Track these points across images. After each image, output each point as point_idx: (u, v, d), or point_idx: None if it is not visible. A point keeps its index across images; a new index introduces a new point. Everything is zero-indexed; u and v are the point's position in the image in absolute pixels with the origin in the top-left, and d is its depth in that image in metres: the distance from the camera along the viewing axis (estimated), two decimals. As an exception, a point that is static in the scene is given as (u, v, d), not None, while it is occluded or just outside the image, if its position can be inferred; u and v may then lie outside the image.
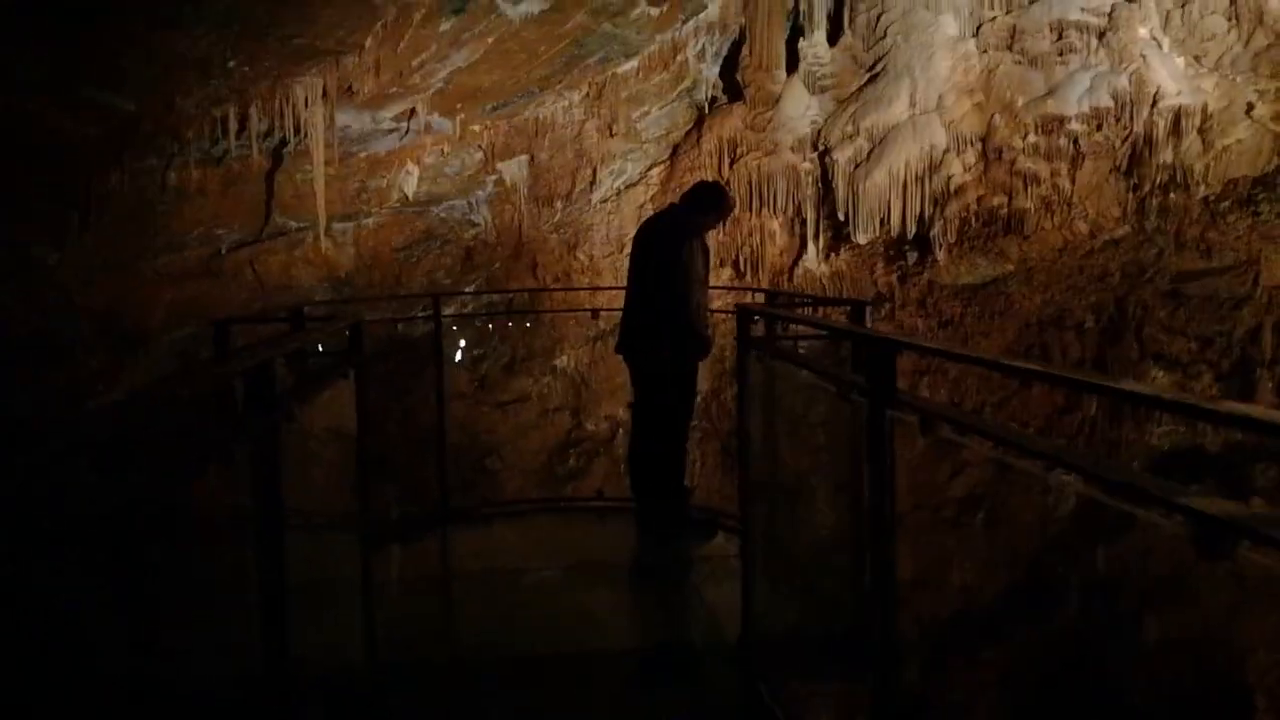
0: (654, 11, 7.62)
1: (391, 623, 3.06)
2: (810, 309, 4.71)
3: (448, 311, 8.24)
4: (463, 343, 8.08)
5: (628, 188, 8.22)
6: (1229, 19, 8.10)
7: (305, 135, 7.21)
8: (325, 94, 6.84)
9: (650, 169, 8.24)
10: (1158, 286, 7.10)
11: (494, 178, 8.18)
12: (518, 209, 8.18)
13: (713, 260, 4.90)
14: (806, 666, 2.71)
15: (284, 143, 7.41)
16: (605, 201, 8.21)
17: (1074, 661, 6.62)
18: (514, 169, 8.20)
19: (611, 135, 8.14)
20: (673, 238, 3.91)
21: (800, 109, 8.24)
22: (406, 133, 7.79)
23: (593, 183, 8.17)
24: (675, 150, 8.28)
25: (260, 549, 1.80)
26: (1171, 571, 6.73)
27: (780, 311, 3.29)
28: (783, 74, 8.20)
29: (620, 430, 8.40)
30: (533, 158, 8.15)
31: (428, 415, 4.82)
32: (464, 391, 8.06)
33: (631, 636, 3.44)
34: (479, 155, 8.16)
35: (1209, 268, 7.18)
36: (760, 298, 5.49)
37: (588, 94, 8.10)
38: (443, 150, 8.10)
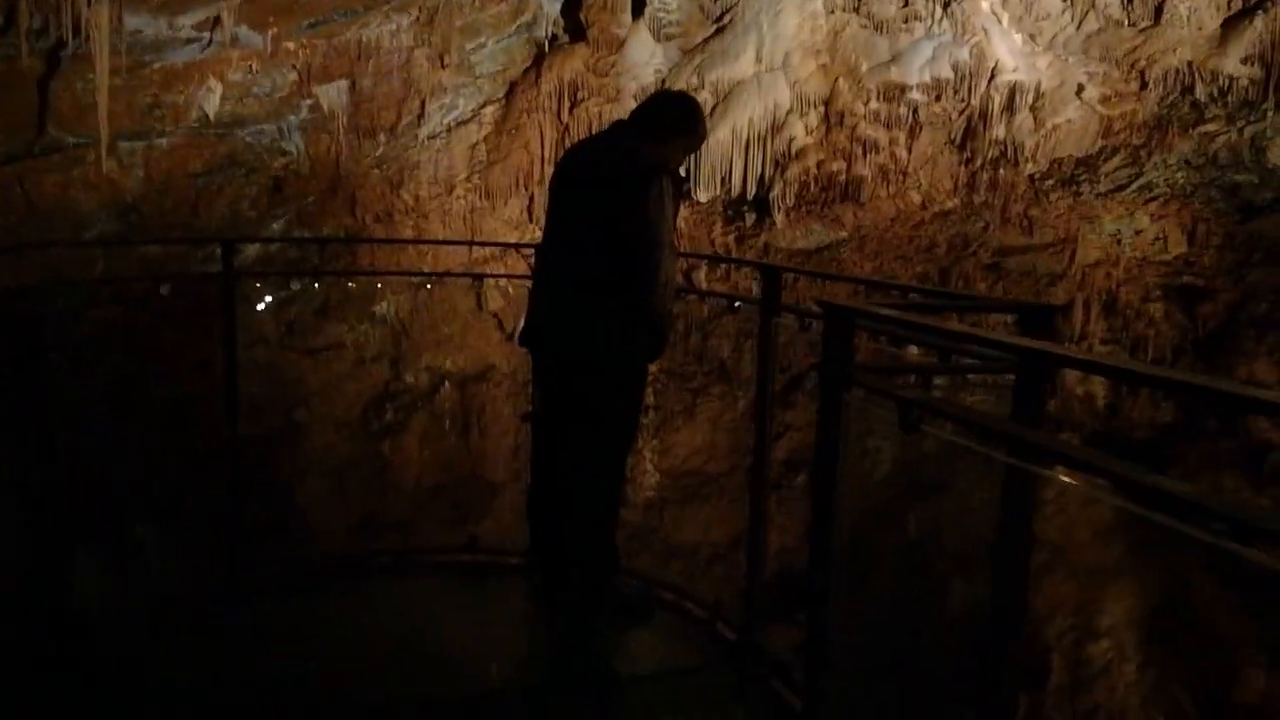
0: (494, -65, 7.33)
1: None
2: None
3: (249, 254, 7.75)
4: (268, 299, 7.60)
5: (459, 125, 7.93)
6: (1064, 0, 8.54)
7: (87, 38, 6.57)
8: (108, -10, 6.23)
9: (484, 107, 7.97)
10: (980, 260, 7.47)
11: (309, 102, 7.70)
12: (336, 139, 7.74)
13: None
14: None
15: (61, 44, 6.71)
16: (434, 138, 7.89)
17: (888, 626, 6.97)
18: (333, 94, 7.74)
19: (443, 66, 7.80)
20: (634, 175, 2.74)
21: (645, 56, 8.15)
22: (209, 44, 7.20)
23: (421, 116, 7.83)
24: (512, 89, 8.04)
25: None
26: (980, 536, 7.16)
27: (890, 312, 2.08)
28: (628, 18, 8.07)
29: (445, 383, 8.18)
30: (354, 84, 7.72)
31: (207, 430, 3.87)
32: (268, 336, 7.63)
33: None
34: (293, 76, 7.65)
35: (1030, 244, 7.61)
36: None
37: (418, 18, 7.71)
38: (251, 67, 7.54)
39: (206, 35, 7.10)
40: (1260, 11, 8.85)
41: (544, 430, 3.17)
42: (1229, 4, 8.95)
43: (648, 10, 8.13)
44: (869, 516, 6.70)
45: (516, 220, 7.99)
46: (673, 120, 3.01)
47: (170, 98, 7.45)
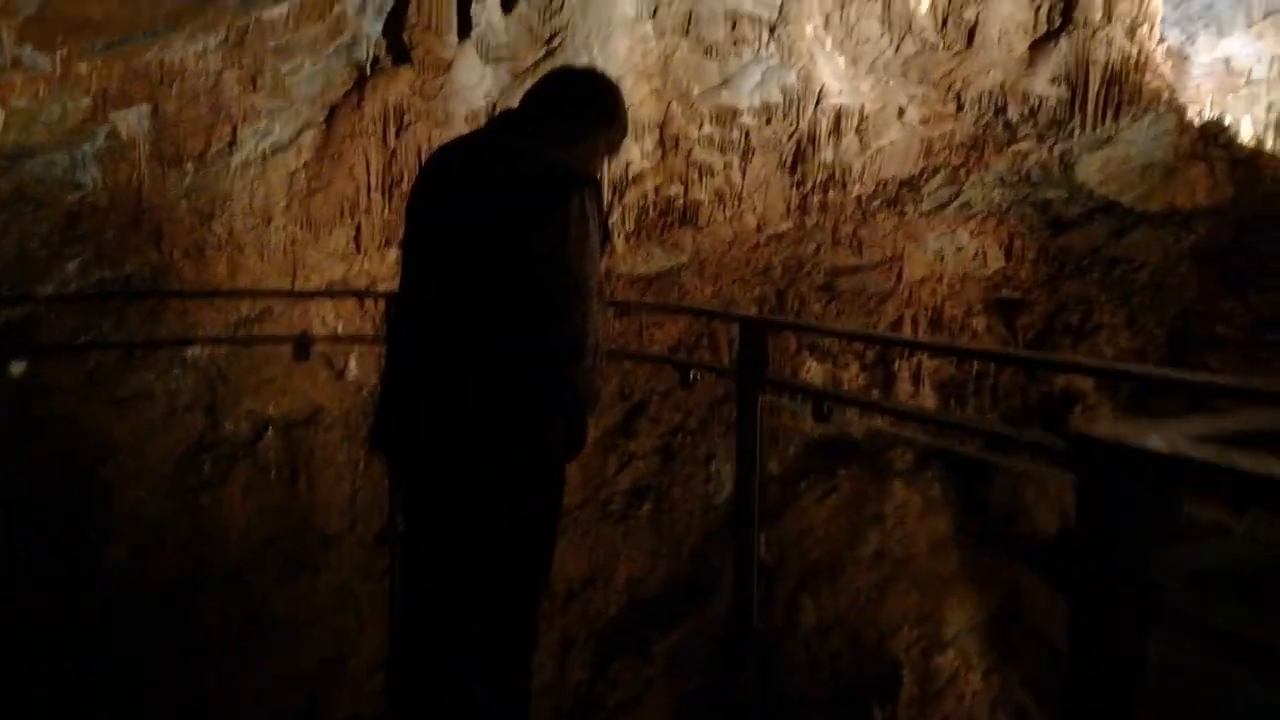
0: (307, -47, 7.14)
1: None
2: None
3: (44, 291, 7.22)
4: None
5: (275, 151, 7.64)
6: (882, 24, 9.03)
7: None
8: None
9: (303, 132, 7.71)
10: (814, 281, 7.76)
11: (106, 129, 7.27)
12: (137, 168, 7.32)
13: None
14: None
15: None
16: (249, 165, 7.58)
17: (735, 648, 7.06)
18: (133, 120, 7.33)
19: (256, 89, 7.52)
20: (543, 190, 1.90)
21: (474, 79, 8.10)
22: (-15, 67, 6.72)
23: (233, 143, 7.51)
24: (333, 112, 7.82)
25: None
26: (826, 554, 7.38)
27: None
28: (454, 39, 8.00)
29: (269, 430, 7.82)
30: (157, 108, 7.34)
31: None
32: (66, 385, 7.11)
33: None
34: (87, 101, 7.20)
35: (860, 264, 7.95)
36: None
37: (226, 39, 7.42)
38: (38, 92, 7.06)
39: (-19, 57, 6.61)
40: (1064, 34, 9.64)
41: (415, 565, 2.13)
42: (1035, 27, 9.71)
43: (475, 32, 8.09)
44: (713, 539, 6.81)
45: (343, 251, 7.75)
46: (587, 108, 2.09)
47: (-60, 126, 6.89)
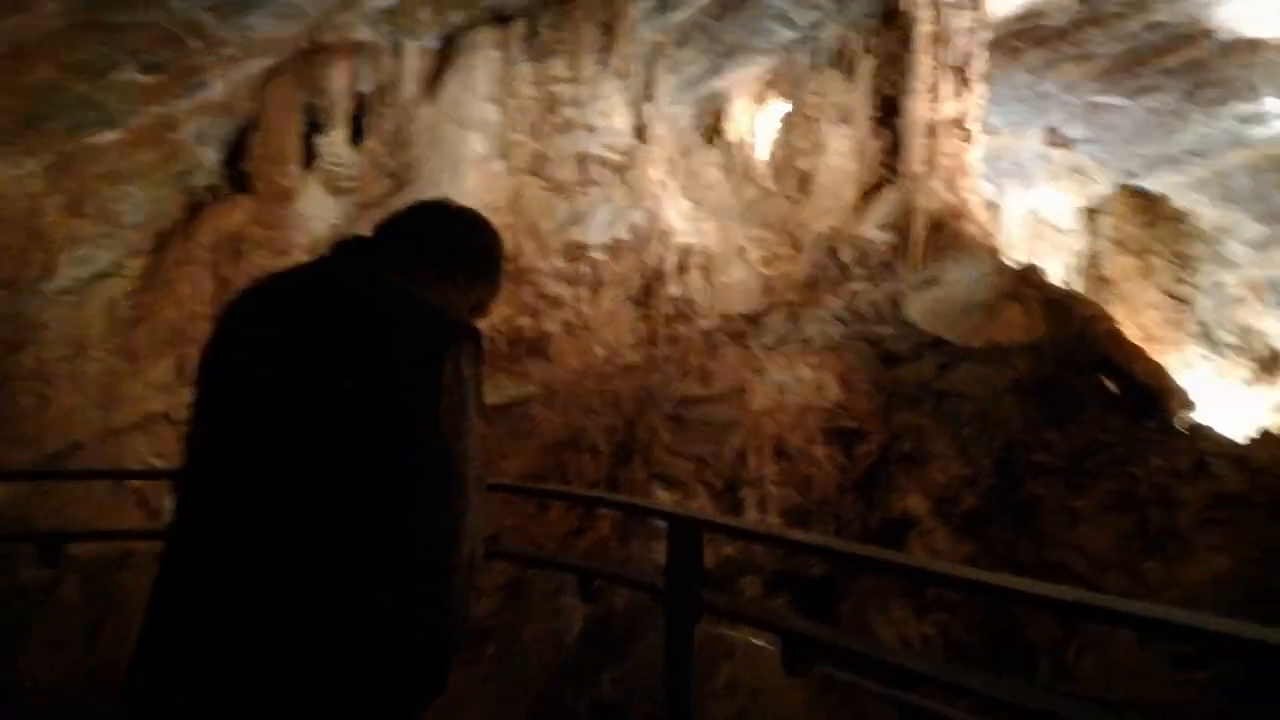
0: (145, 80, 7.08)
1: None
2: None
3: None
4: None
5: (96, 278, 7.35)
6: (722, 170, 9.64)
7: None
8: None
9: (128, 259, 7.47)
10: (664, 410, 7.90)
11: (-98, 252, 6.85)
12: (-63, 294, 6.89)
13: None
14: None
15: None
16: (66, 293, 7.24)
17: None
18: (-65, 244, 6.94)
19: (79, 215, 7.28)
20: (414, 344, 1.44)
21: (317, 209, 8.10)
22: None
23: (50, 269, 7.19)
24: (163, 240, 7.63)
25: None
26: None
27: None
28: (297, 169, 8.03)
29: (72, 575, 7.19)
30: (-35, 232, 6.99)
31: None
32: None
33: None
34: (-118, 222, 6.80)
35: (708, 394, 8.17)
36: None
37: (53, 164, 7.20)
38: None
39: None
40: (890, 185, 10.51)
41: None
42: (864, 178, 10.56)
43: (319, 163, 8.14)
44: (561, 678, 6.59)
45: (165, 383, 7.41)
46: (466, 247, 1.66)
47: None
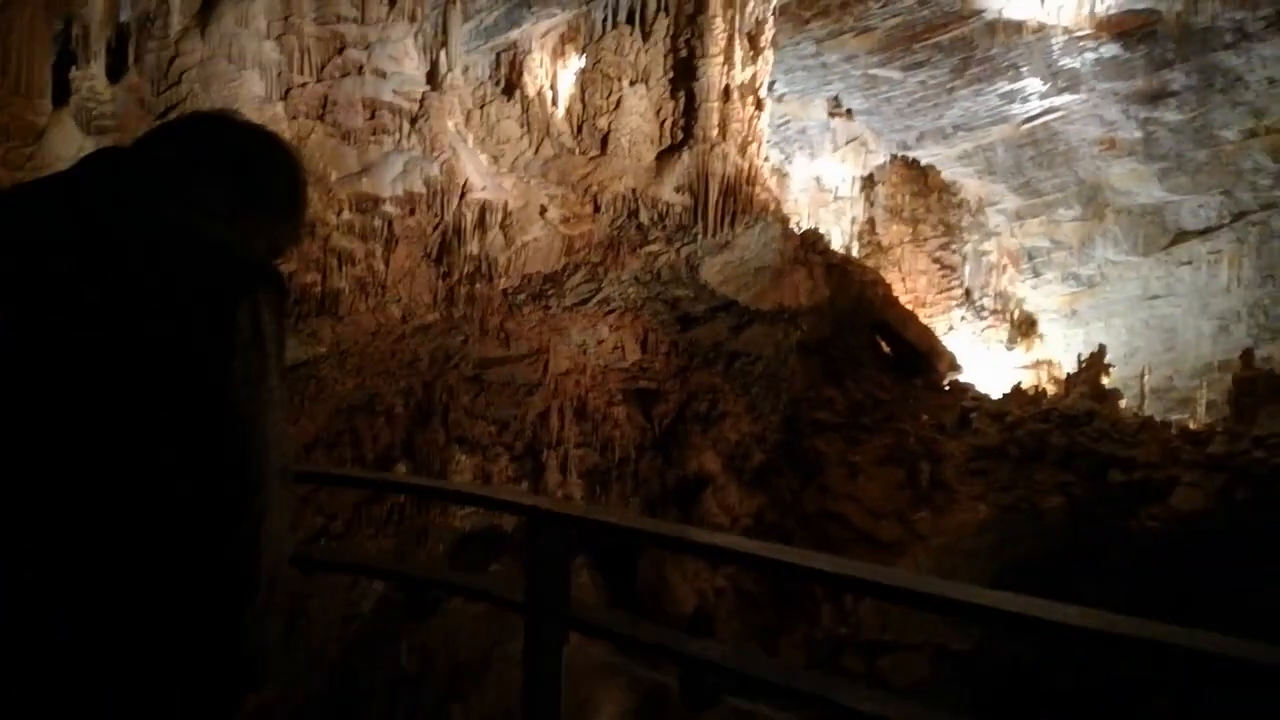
0: None
1: None
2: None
3: None
4: None
5: None
6: (521, 125, 9.53)
7: None
8: None
9: None
10: (463, 372, 7.81)
11: None
12: None
13: None
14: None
15: None
16: None
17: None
18: None
19: None
20: (189, 283, 1.03)
21: (72, 148, 7.32)
22: None
23: None
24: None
25: None
26: (476, 655, 7.27)
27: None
28: (48, 104, 7.24)
29: None
30: None
31: None
32: None
33: None
34: None
35: (508, 355, 8.14)
36: None
37: None
38: None
39: None
40: (686, 148, 10.76)
41: None
42: (661, 139, 10.74)
43: (74, 99, 7.37)
44: (356, 650, 6.46)
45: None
46: (262, 170, 1.21)
47: None
